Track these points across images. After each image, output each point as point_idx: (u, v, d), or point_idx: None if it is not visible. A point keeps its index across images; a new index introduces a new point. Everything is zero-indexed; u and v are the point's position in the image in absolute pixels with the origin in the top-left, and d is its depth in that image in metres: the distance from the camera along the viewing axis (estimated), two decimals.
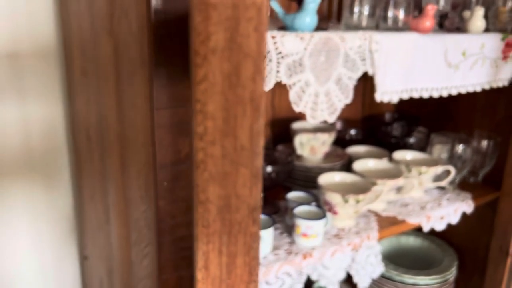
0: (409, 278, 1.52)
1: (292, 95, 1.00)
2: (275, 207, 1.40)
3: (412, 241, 1.75)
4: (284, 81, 0.97)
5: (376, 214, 1.40)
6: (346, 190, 1.30)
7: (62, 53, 1.43)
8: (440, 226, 1.45)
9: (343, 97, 1.09)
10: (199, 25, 0.25)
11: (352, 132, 1.81)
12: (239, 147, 0.27)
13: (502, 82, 1.39)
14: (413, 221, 1.37)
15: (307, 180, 1.50)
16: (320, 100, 1.06)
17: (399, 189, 1.46)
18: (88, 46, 1.17)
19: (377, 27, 1.28)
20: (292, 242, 1.23)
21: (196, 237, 0.27)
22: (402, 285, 1.52)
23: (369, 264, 1.33)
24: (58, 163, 1.52)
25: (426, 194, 1.54)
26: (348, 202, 1.25)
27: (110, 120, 1.11)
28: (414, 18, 1.23)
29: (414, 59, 1.17)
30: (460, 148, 1.55)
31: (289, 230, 1.28)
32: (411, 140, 1.71)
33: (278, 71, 0.94)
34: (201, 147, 0.26)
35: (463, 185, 1.61)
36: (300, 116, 1.65)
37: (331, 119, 1.09)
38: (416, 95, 1.21)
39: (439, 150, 1.58)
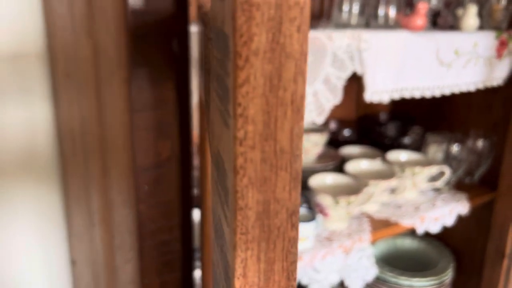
0: (404, 280, 1.51)
1: None
2: None
3: (408, 243, 1.74)
4: None
5: (369, 216, 1.39)
6: (338, 192, 1.30)
7: (47, 55, 1.43)
8: (434, 228, 1.44)
9: (331, 97, 1.09)
10: (242, 26, 0.25)
11: (346, 132, 1.80)
12: (279, 151, 0.28)
13: (496, 81, 1.38)
14: (406, 222, 1.37)
15: None
16: (308, 101, 1.06)
17: (393, 190, 1.46)
18: (70, 47, 1.18)
19: (367, 26, 1.27)
20: None
21: (234, 244, 0.28)
22: (398, 287, 1.52)
23: (362, 266, 1.33)
24: (46, 166, 1.53)
25: (421, 195, 1.53)
26: (339, 204, 1.24)
27: (91, 122, 1.12)
28: (405, 16, 1.23)
29: (405, 58, 1.16)
30: (455, 148, 1.54)
31: None
32: (406, 140, 1.71)
33: None
34: (241, 152, 0.26)
35: (459, 186, 1.60)
36: None
37: (320, 120, 1.08)
38: (407, 94, 1.20)
39: (435, 150, 1.58)
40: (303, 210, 1.25)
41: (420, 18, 1.20)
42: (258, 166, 0.27)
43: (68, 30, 1.17)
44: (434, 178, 1.50)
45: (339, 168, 1.48)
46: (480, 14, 1.37)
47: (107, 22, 0.92)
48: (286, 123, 0.27)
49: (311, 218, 1.21)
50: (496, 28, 1.37)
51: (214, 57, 0.36)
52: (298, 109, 0.27)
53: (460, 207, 1.48)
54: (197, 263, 1.13)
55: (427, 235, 1.71)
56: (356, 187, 1.32)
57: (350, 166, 1.45)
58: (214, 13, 0.37)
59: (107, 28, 0.92)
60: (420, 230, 1.41)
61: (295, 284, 0.30)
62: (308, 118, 1.08)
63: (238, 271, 0.28)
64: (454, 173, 1.55)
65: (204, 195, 1.02)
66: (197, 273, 1.13)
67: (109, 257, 1.17)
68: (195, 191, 1.11)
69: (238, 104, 0.25)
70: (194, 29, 0.97)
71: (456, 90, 1.31)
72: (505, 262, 1.54)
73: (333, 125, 1.80)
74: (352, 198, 1.25)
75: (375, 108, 1.89)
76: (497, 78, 1.38)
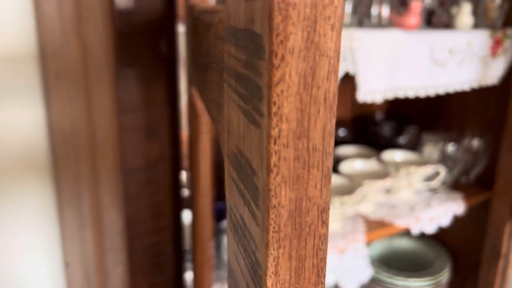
0: (400, 281, 1.52)
1: None
2: None
3: (404, 243, 1.75)
4: None
5: (364, 216, 1.40)
6: (332, 192, 1.31)
7: (39, 55, 1.43)
8: (430, 229, 1.45)
9: None
10: (279, 25, 0.26)
11: (342, 132, 1.81)
12: (312, 148, 0.28)
13: (491, 80, 1.39)
14: (401, 223, 1.37)
15: None
16: None
17: (388, 190, 1.47)
18: (60, 48, 1.18)
19: (360, 25, 1.28)
20: None
21: (266, 243, 0.28)
22: (394, 287, 1.53)
23: (356, 267, 1.33)
24: (39, 167, 1.53)
25: (416, 195, 1.54)
26: (333, 204, 1.25)
27: (81, 123, 1.12)
28: (399, 15, 1.24)
29: (398, 57, 1.16)
30: (451, 147, 1.56)
31: None
32: (402, 139, 1.72)
33: None
34: (275, 151, 0.27)
35: (455, 185, 1.62)
36: None
37: None
38: (401, 94, 1.21)
39: (430, 149, 1.59)
40: None
41: (414, 17, 1.21)
42: (291, 164, 0.28)
43: (58, 31, 1.17)
44: (429, 178, 1.52)
45: (334, 168, 1.48)
46: (475, 13, 1.39)
47: (95, 22, 0.92)
48: (319, 121, 0.28)
49: None
50: (491, 26, 1.39)
51: (232, 57, 0.36)
52: (331, 107, 0.28)
53: (455, 207, 1.50)
54: (188, 265, 1.13)
55: (423, 235, 1.72)
56: (350, 187, 1.32)
57: (344, 166, 1.45)
58: (230, 13, 0.37)
59: (95, 28, 0.92)
60: (415, 231, 1.42)
61: (325, 280, 0.30)
62: None
63: (270, 269, 0.28)
64: (449, 172, 1.56)
65: (195, 196, 1.02)
66: (188, 275, 1.13)
67: (100, 259, 1.17)
68: (185, 192, 1.11)
69: (273, 103, 0.26)
70: (181, 29, 0.98)
71: (451, 89, 1.31)
72: (501, 262, 1.55)
73: None
74: (346, 198, 1.25)
75: (370, 107, 1.90)
76: (492, 77, 1.39)
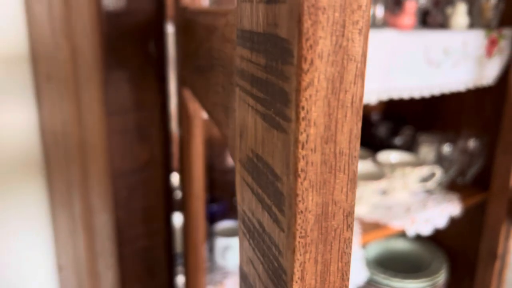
0: (397, 282, 1.53)
1: None
2: None
3: (401, 244, 1.76)
4: None
5: (359, 218, 1.40)
6: None
7: (31, 57, 1.43)
8: (425, 230, 1.46)
9: None
10: (309, 30, 0.26)
11: None
12: (338, 152, 0.29)
13: (486, 80, 1.39)
14: (397, 224, 1.38)
15: None
16: None
17: (383, 191, 1.47)
18: (51, 50, 1.18)
19: None
20: None
21: (293, 248, 0.28)
22: None
23: (352, 269, 1.34)
24: (33, 169, 1.52)
25: (412, 196, 1.55)
26: None
27: (72, 125, 1.12)
28: (393, 15, 1.24)
29: (392, 58, 1.17)
30: (447, 148, 1.56)
31: None
32: (398, 140, 1.73)
33: None
34: (303, 156, 0.27)
35: (451, 186, 1.63)
36: None
37: None
38: (395, 95, 1.21)
39: (426, 150, 1.60)
40: None
41: (408, 17, 1.22)
42: (319, 169, 0.28)
43: (48, 32, 1.17)
44: (425, 179, 1.52)
45: None
46: (470, 13, 1.39)
47: (84, 24, 0.92)
48: (346, 125, 0.28)
49: None
50: (486, 26, 1.40)
51: (247, 60, 0.36)
52: (357, 111, 0.28)
53: (451, 208, 1.50)
54: (179, 269, 1.13)
55: (420, 236, 1.73)
56: None
57: None
58: (243, 16, 0.37)
59: (84, 30, 0.92)
60: (410, 232, 1.42)
61: (348, 284, 0.31)
62: None
63: (297, 274, 0.28)
64: (445, 173, 1.57)
65: (188, 198, 1.02)
66: (180, 279, 1.13)
67: (92, 263, 1.17)
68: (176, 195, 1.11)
69: (301, 108, 0.26)
70: (170, 29, 0.98)
71: (446, 90, 1.32)
72: (498, 263, 1.56)
73: None
74: None
75: (366, 108, 1.90)
76: (487, 78, 1.39)
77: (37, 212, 1.57)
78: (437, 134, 1.64)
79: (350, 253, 0.30)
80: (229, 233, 1.23)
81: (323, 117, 0.27)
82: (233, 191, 1.48)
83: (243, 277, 0.41)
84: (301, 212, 0.28)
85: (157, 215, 1.01)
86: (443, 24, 1.41)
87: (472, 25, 1.41)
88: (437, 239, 1.77)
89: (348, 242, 0.30)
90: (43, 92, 1.35)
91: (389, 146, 1.71)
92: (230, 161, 1.52)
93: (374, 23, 1.31)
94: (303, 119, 0.26)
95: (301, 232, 0.28)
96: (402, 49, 1.17)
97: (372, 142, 1.74)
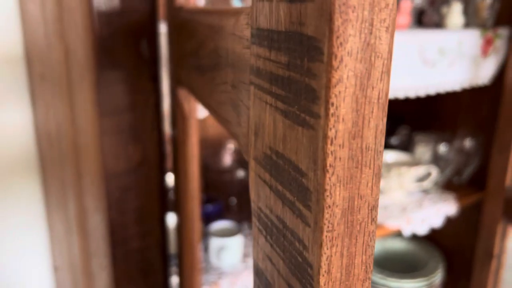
0: (393, 282, 1.53)
1: None
2: (247, 213, 1.42)
3: (398, 244, 1.76)
4: None
5: None
6: None
7: (25, 57, 1.43)
8: (421, 230, 1.47)
9: None
10: (339, 28, 0.27)
11: None
12: (365, 148, 0.30)
13: (482, 80, 1.40)
14: (393, 224, 1.39)
15: None
16: None
17: (380, 191, 1.48)
18: (44, 50, 1.18)
19: None
20: None
21: (320, 243, 0.29)
22: None
23: None
24: (28, 170, 1.53)
25: (408, 196, 1.56)
26: None
27: (65, 126, 1.12)
28: None
29: None
30: (443, 147, 1.57)
31: None
32: (394, 140, 1.74)
33: None
34: (331, 151, 0.28)
35: (448, 186, 1.64)
36: None
37: None
38: (391, 95, 1.21)
39: (422, 150, 1.61)
40: None
41: (404, 16, 1.23)
42: (346, 164, 0.29)
43: (41, 33, 1.17)
44: (421, 179, 1.53)
45: None
46: (466, 12, 1.41)
47: (76, 24, 0.92)
48: (372, 120, 0.29)
49: None
50: (482, 26, 1.41)
51: (264, 59, 0.37)
52: (383, 107, 0.29)
53: (447, 207, 1.51)
54: (173, 269, 1.14)
55: (416, 236, 1.73)
56: None
57: None
58: (259, 15, 0.38)
59: (76, 30, 0.93)
60: (406, 232, 1.43)
61: (371, 276, 0.32)
62: None
63: (324, 268, 0.29)
64: (441, 173, 1.58)
65: (183, 199, 1.03)
66: (174, 280, 1.13)
67: (86, 264, 1.18)
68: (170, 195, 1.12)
69: (331, 104, 0.27)
70: (163, 29, 0.98)
71: (441, 89, 1.33)
72: (494, 263, 1.57)
73: None
74: None
75: None
76: (483, 77, 1.41)
77: (33, 213, 1.57)
78: (433, 134, 1.65)
79: (373, 246, 0.31)
80: (224, 234, 1.24)
81: (351, 113, 0.28)
82: (228, 191, 1.48)
83: (259, 273, 0.42)
84: (329, 206, 0.29)
85: (150, 215, 1.02)
86: (439, 23, 1.42)
87: (468, 24, 1.42)
88: (434, 238, 1.78)
89: (372, 235, 0.31)
90: (37, 92, 1.35)
91: (385, 145, 1.71)
92: (225, 161, 1.53)
93: None
94: (332, 115, 0.27)
95: (328, 227, 0.29)
96: (397, 48, 1.18)
97: None
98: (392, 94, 1.22)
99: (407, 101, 1.64)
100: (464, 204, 1.56)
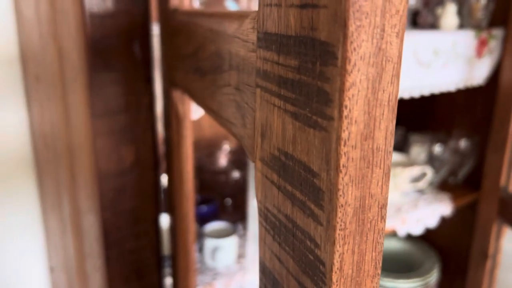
0: (389, 282, 1.54)
1: None
2: (242, 214, 1.42)
3: (393, 244, 1.77)
4: None
5: None
6: None
7: (20, 58, 1.43)
8: (416, 230, 1.48)
9: None
10: (353, 33, 0.28)
11: None
12: (376, 148, 0.31)
13: (477, 80, 1.42)
14: (387, 224, 1.39)
15: None
16: None
17: None
18: (39, 51, 1.18)
19: None
20: None
21: (333, 241, 0.31)
22: None
23: None
24: (24, 170, 1.53)
25: (403, 196, 1.57)
26: None
27: (59, 127, 1.13)
28: None
29: None
30: (438, 148, 1.59)
31: (257, 237, 1.30)
32: None
33: None
34: (344, 152, 0.30)
35: (443, 186, 1.65)
36: None
37: None
38: None
39: (418, 150, 1.62)
40: None
41: None
42: (358, 164, 0.30)
43: (36, 34, 1.17)
44: (416, 179, 1.54)
45: None
46: (460, 13, 1.42)
47: (68, 25, 0.93)
48: (383, 122, 0.30)
49: None
50: (476, 27, 1.42)
51: (272, 62, 0.38)
52: (393, 109, 0.30)
53: (442, 207, 1.53)
54: (167, 270, 1.14)
55: (412, 236, 1.74)
56: None
57: None
58: (265, 20, 0.39)
59: (69, 32, 0.93)
60: (401, 232, 1.44)
61: (380, 272, 0.33)
62: None
63: (336, 265, 0.31)
64: (436, 173, 1.60)
65: (178, 200, 1.03)
66: (168, 281, 1.14)
67: (81, 265, 1.18)
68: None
69: (344, 106, 0.28)
70: (156, 30, 0.99)
71: (436, 90, 1.34)
72: (489, 263, 1.58)
73: None
74: None
75: None
76: (477, 78, 1.42)
77: (29, 213, 1.57)
78: (428, 134, 1.66)
79: (382, 243, 0.33)
80: (219, 234, 1.25)
81: (363, 115, 0.29)
82: (223, 192, 1.49)
83: (266, 273, 0.43)
84: (342, 205, 0.30)
85: (144, 216, 1.02)
86: (433, 24, 1.43)
87: (462, 25, 1.43)
88: (429, 239, 1.79)
89: (382, 232, 0.32)
90: (32, 93, 1.35)
91: None
92: (220, 162, 1.54)
93: None
94: (345, 117, 0.29)
95: (341, 225, 0.30)
96: None
97: None
98: None
99: (402, 102, 1.66)
100: (459, 204, 1.57)
